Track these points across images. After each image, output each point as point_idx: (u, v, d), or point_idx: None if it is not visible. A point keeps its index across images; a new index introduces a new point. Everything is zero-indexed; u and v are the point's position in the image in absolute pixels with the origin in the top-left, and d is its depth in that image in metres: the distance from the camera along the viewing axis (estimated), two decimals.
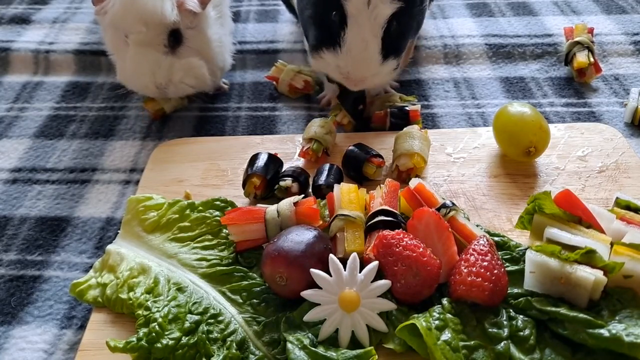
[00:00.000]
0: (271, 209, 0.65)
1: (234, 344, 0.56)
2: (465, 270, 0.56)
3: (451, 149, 0.82)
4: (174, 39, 0.83)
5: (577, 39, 0.98)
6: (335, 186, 0.67)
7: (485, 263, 0.55)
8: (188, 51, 0.85)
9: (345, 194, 0.66)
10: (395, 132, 0.80)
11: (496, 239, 0.63)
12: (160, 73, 0.83)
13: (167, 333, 0.55)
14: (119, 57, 0.87)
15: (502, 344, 0.53)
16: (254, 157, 0.75)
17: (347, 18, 0.75)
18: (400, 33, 0.78)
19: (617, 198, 0.66)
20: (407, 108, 0.86)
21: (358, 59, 0.76)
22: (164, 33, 0.82)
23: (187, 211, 0.68)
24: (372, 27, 0.75)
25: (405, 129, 0.79)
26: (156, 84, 0.84)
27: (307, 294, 0.56)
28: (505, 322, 0.55)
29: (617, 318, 0.53)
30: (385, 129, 0.87)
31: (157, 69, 0.83)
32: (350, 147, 0.77)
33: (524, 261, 0.59)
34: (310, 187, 0.75)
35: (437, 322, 0.54)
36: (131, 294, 0.61)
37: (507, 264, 0.60)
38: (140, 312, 0.58)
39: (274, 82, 0.99)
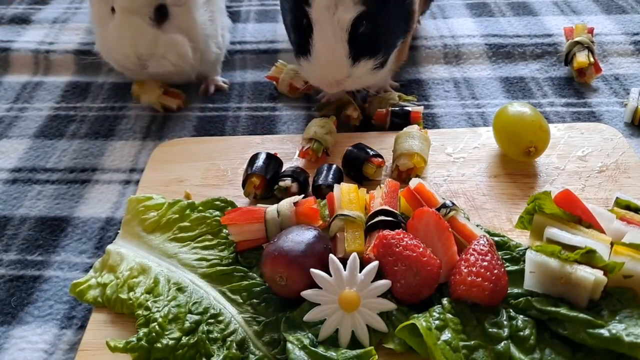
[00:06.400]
0: (271, 209, 0.65)
1: (234, 344, 0.56)
2: (465, 270, 0.56)
3: (451, 149, 0.82)
4: (160, 13, 0.84)
5: (577, 39, 0.98)
6: (335, 186, 0.67)
7: (485, 263, 0.55)
8: (173, 28, 0.86)
9: (345, 194, 0.66)
10: (395, 132, 0.80)
11: (496, 239, 0.63)
12: (144, 43, 0.83)
13: (167, 333, 0.55)
14: (102, 26, 0.87)
15: (502, 344, 0.53)
16: (254, 157, 0.75)
17: (312, 24, 0.76)
18: (372, 34, 0.77)
19: (617, 198, 0.66)
20: (409, 108, 0.86)
21: (324, 64, 0.77)
22: (151, 5, 0.82)
23: (187, 211, 0.68)
24: (335, 32, 0.74)
25: (405, 129, 0.78)
26: (137, 54, 0.84)
27: (307, 294, 0.56)
28: (505, 322, 0.55)
29: (617, 318, 0.53)
30: (385, 128, 0.87)
31: (140, 39, 0.83)
32: (350, 147, 0.77)
33: (524, 261, 0.59)
34: (310, 187, 0.75)
35: (437, 322, 0.54)
36: (131, 294, 0.61)
37: (507, 264, 0.60)
38: (140, 312, 0.58)
39: (274, 82, 0.99)
